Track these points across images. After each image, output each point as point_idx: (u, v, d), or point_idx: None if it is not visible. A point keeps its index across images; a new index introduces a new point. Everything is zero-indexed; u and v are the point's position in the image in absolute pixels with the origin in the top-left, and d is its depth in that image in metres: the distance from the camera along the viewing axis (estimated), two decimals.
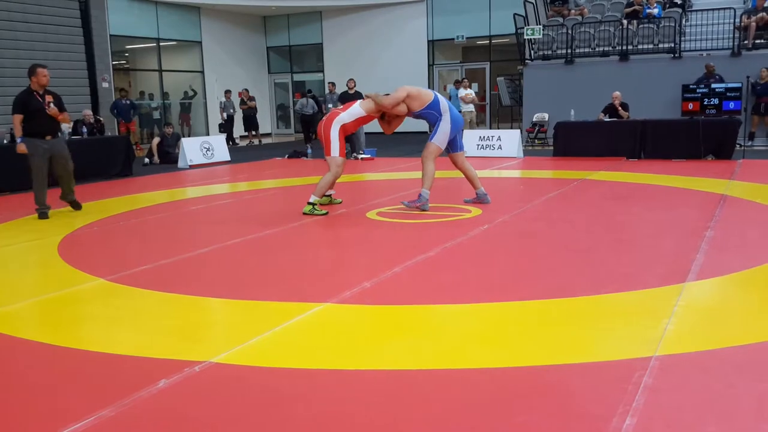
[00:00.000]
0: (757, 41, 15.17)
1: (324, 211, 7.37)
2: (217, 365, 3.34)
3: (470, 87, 17.63)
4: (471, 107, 17.19)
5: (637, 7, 16.50)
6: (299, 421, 2.77)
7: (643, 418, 2.66)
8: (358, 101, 7.60)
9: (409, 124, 7.47)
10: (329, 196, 8.01)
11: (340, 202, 8.08)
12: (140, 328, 4.12)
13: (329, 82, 18.46)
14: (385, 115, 7.53)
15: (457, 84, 18.98)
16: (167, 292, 4.70)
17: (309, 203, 7.37)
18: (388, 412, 2.83)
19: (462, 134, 7.71)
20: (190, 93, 22.73)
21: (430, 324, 3.98)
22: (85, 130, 13.46)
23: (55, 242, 6.49)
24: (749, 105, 13.67)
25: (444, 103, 7.41)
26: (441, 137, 7.36)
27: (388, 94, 7.42)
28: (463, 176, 7.88)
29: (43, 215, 7.82)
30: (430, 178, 7.39)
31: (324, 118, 7.61)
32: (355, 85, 15.77)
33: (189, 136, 20.22)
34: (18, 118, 7.60)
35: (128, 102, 18.15)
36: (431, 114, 7.35)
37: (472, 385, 3.07)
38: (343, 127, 7.36)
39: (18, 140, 7.65)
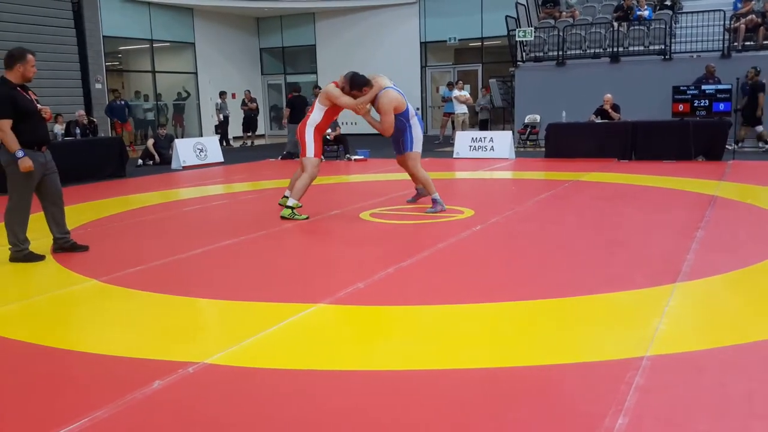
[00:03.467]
0: (747, 43, 15.27)
1: (305, 216, 7.27)
2: (211, 366, 3.35)
3: (463, 89, 17.68)
4: (464, 108, 17.24)
5: (625, 5, 16.54)
6: (293, 421, 2.79)
7: (635, 418, 2.69)
8: (316, 103, 7.41)
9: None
10: (287, 197, 7.70)
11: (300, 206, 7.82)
12: (134, 329, 4.12)
13: (314, 87, 18.47)
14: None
15: (450, 86, 19.01)
16: (161, 293, 4.70)
17: (288, 207, 7.29)
18: (382, 412, 2.85)
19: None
20: (184, 94, 22.69)
21: (423, 324, 4.00)
22: (78, 131, 13.44)
23: (48, 243, 6.47)
24: (738, 106, 13.76)
25: (411, 110, 7.50)
26: (418, 144, 7.50)
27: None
28: (410, 176, 7.99)
29: (26, 257, 5.75)
30: (431, 183, 7.52)
31: (300, 123, 7.52)
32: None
33: (182, 137, 20.18)
34: (7, 124, 5.49)
35: (123, 103, 18.12)
36: (399, 121, 7.33)
37: (465, 384, 3.09)
38: (317, 128, 7.30)
39: (19, 154, 5.49)
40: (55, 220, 6.03)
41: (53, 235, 6.06)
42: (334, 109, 7.33)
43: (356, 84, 7.12)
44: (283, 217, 7.25)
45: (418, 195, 8.04)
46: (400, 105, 7.28)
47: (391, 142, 7.78)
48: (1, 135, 5.53)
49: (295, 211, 7.27)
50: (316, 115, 7.33)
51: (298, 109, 15.44)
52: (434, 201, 7.42)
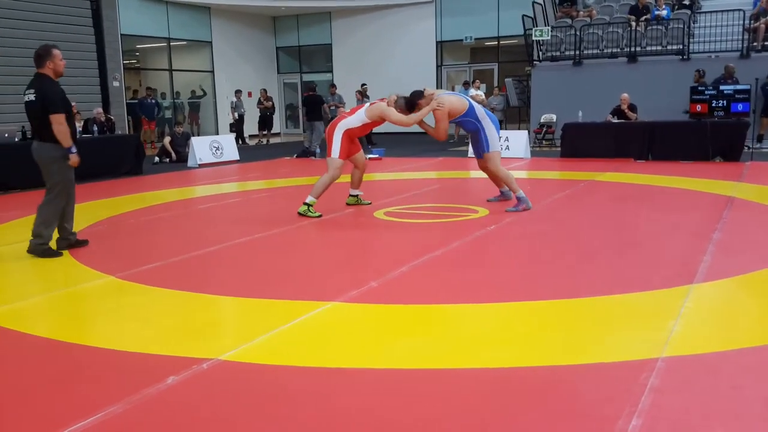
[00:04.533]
0: (767, 43, 15.11)
1: (318, 214, 7.31)
2: (224, 362, 3.36)
3: (479, 88, 17.63)
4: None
5: (640, 5, 16.42)
6: (306, 418, 2.79)
7: (649, 419, 2.68)
8: (365, 107, 7.48)
9: (416, 126, 7.30)
10: (356, 196, 8.00)
11: (369, 204, 8.01)
12: (149, 325, 4.15)
13: (331, 84, 18.54)
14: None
15: (466, 84, 18.97)
16: (176, 289, 4.73)
17: (305, 203, 7.34)
18: (395, 410, 2.85)
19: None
20: (200, 93, 22.81)
21: (437, 323, 4.00)
22: (96, 128, 13.55)
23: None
24: (758, 107, 13.62)
25: (480, 110, 7.34)
26: (495, 141, 7.35)
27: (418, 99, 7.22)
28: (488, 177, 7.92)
29: (45, 252, 5.80)
30: (513, 180, 7.40)
31: (331, 123, 7.61)
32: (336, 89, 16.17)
33: (198, 135, 20.30)
34: (63, 118, 5.64)
35: (153, 101, 18.25)
36: (468, 122, 7.29)
37: (478, 384, 3.08)
38: (348, 132, 7.32)
39: (73, 149, 5.69)
40: (70, 216, 6.08)
41: (64, 232, 6.05)
42: (372, 125, 7.40)
43: (412, 104, 7.17)
44: (299, 213, 7.31)
45: (502, 196, 7.86)
46: (455, 109, 7.17)
47: (470, 145, 7.70)
48: (58, 129, 5.60)
49: (311, 208, 7.31)
50: (353, 120, 7.33)
51: (312, 107, 15.52)
52: (519, 199, 7.30)
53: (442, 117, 7.11)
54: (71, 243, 6.08)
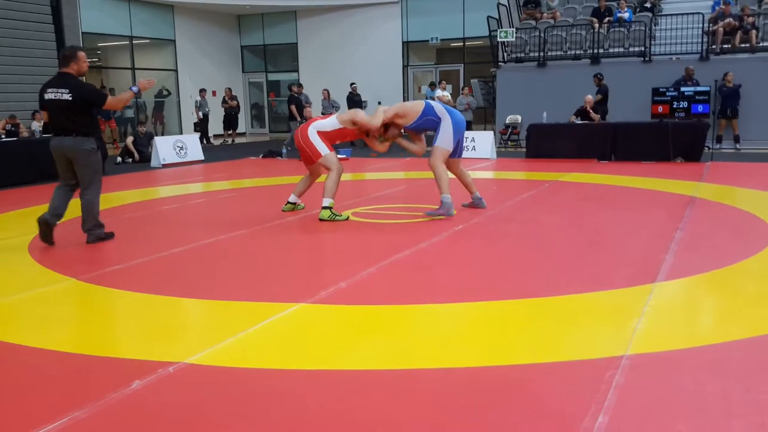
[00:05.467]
0: (725, 46, 15.46)
1: (346, 216, 7.14)
2: (191, 366, 3.32)
3: (445, 89, 17.69)
4: None
5: (601, 7, 16.67)
6: (275, 421, 2.78)
7: (615, 417, 2.71)
8: (333, 116, 7.35)
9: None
10: (294, 204, 7.70)
11: (303, 208, 7.78)
12: (113, 328, 4.09)
13: (324, 90, 18.40)
14: (369, 133, 7.26)
15: (432, 86, 19.03)
16: (141, 292, 4.66)
17: (324, 208, 7.05)
18: (362, 411, 2.85)
19: (463, 139, 7.45)
20: (165, 93, 22.53)
21: (405, 324, 4.01)
22: None
23: (26, 242, 6.40)
24: (716, 108, 13.93)
25: (439, 107, 7.16)
26: (445, 140, 7.06)
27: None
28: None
29: (107, 235, 6.39)
30: (446, 182, 7.06)
31: (299, 127, 7.36)
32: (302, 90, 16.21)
33: (162, 134, 20.05)
34: (110, 98, 6.35)
35: None
36: (429, 121, 7.11)
37: (446, 384, 3.10)
38: (323, 134, 7.11)
39: (134, 89, 6.38)
40: (66, 205, 6.36)
41: (56, 217, 6.22)
42: (344, 132, 7.22)
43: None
44: (322, 219, 7.04)
45: (473, 203, 7.61)
46: (406, 110, 7.08)
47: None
48: (116, 102, 6.49)
49: (333, 210, 7.08)
50: (326, 123, 7.18)
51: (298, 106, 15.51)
52: (442, 202, 7.04)
53: (389, 113, 7.07)
54: (51, 227, 6.20)
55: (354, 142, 13.74)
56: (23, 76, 15.52)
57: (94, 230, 6.28)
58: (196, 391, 3.06)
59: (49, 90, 6.01)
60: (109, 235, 6.42)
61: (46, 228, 6.11)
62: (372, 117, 7.11)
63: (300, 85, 17.80)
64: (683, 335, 3.69)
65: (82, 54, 6.14)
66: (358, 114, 7.20)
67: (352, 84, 18.42)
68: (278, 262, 5.58)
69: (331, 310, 4.18)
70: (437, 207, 7.10)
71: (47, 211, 6.14)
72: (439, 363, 3.34)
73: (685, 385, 3.04)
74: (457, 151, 7.29)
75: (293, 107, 16.04)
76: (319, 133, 7.13)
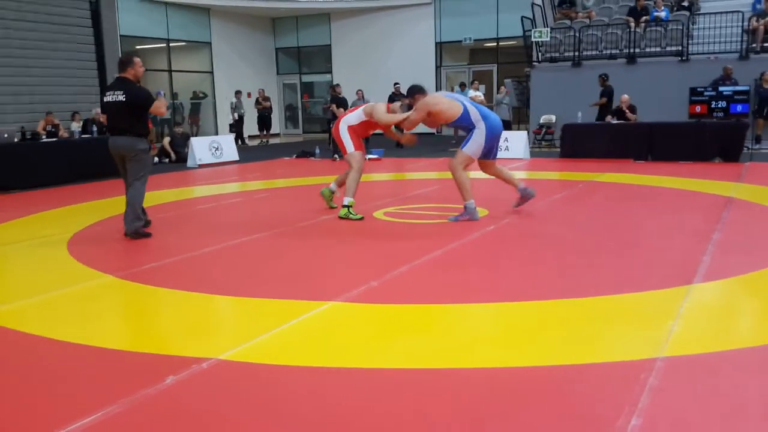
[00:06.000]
0: (766, 44, 15.13)
1: (359, 216, 7.22)
2: (224, 362, 3.36)
3: (478, 89, 17.58)
4: None
5: (638, 6, 16.44)
6: (306, 418, 2.79)
7: (649, 419, 2.68)
8: (363, 106, 7.46)
9: (419, 127, 7.23)
10: (333, 192, 7.89)
11: (335, 207, 7.81)
12: (148, 324, 4.15)
13: (358, 90, 18.43)
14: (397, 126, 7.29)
15: (463, 86, 18.92)
16: (175, 289, 4.73)
17: (344, 206, 7.23)
18: (395, 410, 2.85)
19: (498, 141, 7.15)
20: (201, 95, 22.81)
21: (436, 323, 4.00)
22: (95, 128, 13.54)
23: (65, 239, 6.54)
24: (755, 108, 13.65)
25: (475, 112, 6.82)
26: (473, 147, 6.83)
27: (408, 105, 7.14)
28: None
29: (145, 232, 6.67)
30: (468, 188, 6.90)
31: (335, 121, 7.60)
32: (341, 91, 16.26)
33: (198, 135, 20.29)
34: (158, 102, 6.71)
35: None
36: (463, 126, 6.95)
37: (478, 384, 3.08)
38: (351, 128, 7.30)
39: (161, 94, 6.97)
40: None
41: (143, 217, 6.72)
42: (370, 123, 7.30)
43: (410, 93, 7.09)
44: (340, 217, 7.21)
45: (521, 197, 7.35)
46: (443, 113, 6.81)
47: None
48: (159, 109, 6.68)
49: (351, 209, 7.21)
50: (352, 117, 7.34)
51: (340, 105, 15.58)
52: (465, 207, 6.94)
53: (419, 116, 6.90)
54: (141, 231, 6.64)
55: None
56: (63, 78, 15.84)
57: (134, 223, 6.53)
58: (229, 387, 3.09)
59: (108, 93, 6.54)
60: (147, 234, 6.61)
61: (141, 235, 6.54)
62: (390, 115, 7.10)
63: (334, 86, 17.90)
64: (720, 338, 3.63)
65: (137, 60, 6.61)
66: (376, 109, 7.19)
67: (395, 84, 18.37)
68: (310, 260, 5.61)
69: (362, 308, 4.19)
70: (459, 213, 7.03)
71: (126, 220, 6.52)
72: (471, 363, 3.32)
73: (721, 388, 2.98)
74: (492, 152, 7.07)
75: (333, 106, 16.08)
76: (349, 128, 7.29)
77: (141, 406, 2.90)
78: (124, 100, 6.40)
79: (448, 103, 6.90)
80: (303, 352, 3.52)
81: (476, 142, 6.83)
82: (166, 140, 15.21)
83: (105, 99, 6.57)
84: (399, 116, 7.08)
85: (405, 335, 3.79)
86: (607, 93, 14.56)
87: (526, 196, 7.33)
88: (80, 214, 8.19)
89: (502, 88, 18.19)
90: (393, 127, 7.32)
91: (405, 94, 7.46)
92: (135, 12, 19.68)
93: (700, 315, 3.98)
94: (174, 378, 3.16)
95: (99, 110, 14.56)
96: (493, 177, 7.40)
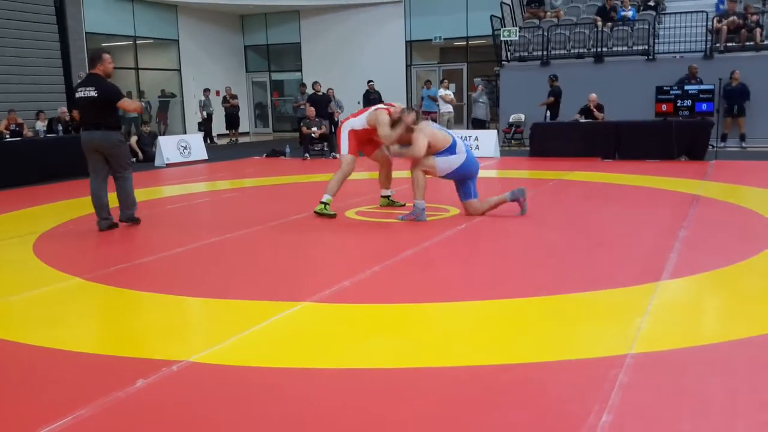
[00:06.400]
0: (729, 44, 15.42)
1: (333, 213, 7.25)
2: (195, 364, 3.33)
3: (448, 88, 17.61)
4: (450, 108, 17.20)
5: (607, 5, 16.63)
6: (277, 419, 2.78)
7: (619, 415, 2.71)
8: (367, 111, 7.35)
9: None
10: (388, 197, 7.91)
11: (403, 205, 7.80)
12: (116, 327, 4.09)
13: (300, 84, 18.36)
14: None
15: (428, 83, 18.89)
16: (145, 291, 4.67)
17: (321, 202, 7.27)
18: (368, 410, 2.85)
19: (475, 181, 7.14)
20: (169, 94, 22.55)
21: (409, 322, 4.00)
22: (60, 127, 13.32)
23: (31, 240, 6.42)
24: (721, 107, 13.89)
25: (461, 144, 6.98)
26: (443, 164, 6.87)
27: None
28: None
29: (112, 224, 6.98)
30: (421, 188, 6.90)
31: (340, 122, 7.61)
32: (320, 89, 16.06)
33: (166, 134, 20.07)
34: (127, 99, 7.13)
35: None
36: (447, 153, 6.92)
37: (450, 382, 3.09)
38: (354, 132, 7.29)
39: (143, 104, 7.22)
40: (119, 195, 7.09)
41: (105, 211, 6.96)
42: (372, 133, 7.25)
43: (397, 120, 6.98)
44: (315, 212, 7.25)
45: (517, 203, 7.12)
46: (437, 141, 6.85)
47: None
48: (128, 105, 7.07)
49: (327, 206, 7.25)
50: (357, 122, 7.32)
51: (320, 105, 15.45)
52: (414, 206, 6.91)
53: (418, 138, 6.82)
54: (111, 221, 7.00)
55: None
56: (26, 77, 15.53)
57: (129, 210, 7.00)
58: (200, 389, 3.06)
59: (79, 89, 6.78)
60: (137, 220, 7.10)
61: (110, 225, 6.92)
62: (390, 133, 6.96)
63: (303, 85, 17.84)
64: (687, 334, 3.68)
65: (106, 56, 6.88)
66: (380, 122, 7.04)
67: (369, 81, 18.34)
68: (281, 261, 5.59)
69: (335, 308, 4.18)
70: (410, 211, 7.04)
71: (96, 213, 6.90)
72: (443, 361, 3.33)
73: (689, 384, 3.03)
74: (472, 191, 7.06)
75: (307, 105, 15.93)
76: (351, 131, 7.31)
77: (111, 410, 2.85)
78: (96, 95, 6.63)
79: (440, 133, 7.02)
80: (275, 353, 3.50)
81: (448, 163, 6.87)
82: (134, 139, 15.01)
83: (77, 95, 6.77)
84: (395, 133, 6.93)
85: (377, 335, 3.79)
86: (555, 93, 14.85)
87: (516, 199, 7.06)
88: (46, 215, 8.05)
89: (480, 87, 18.19)
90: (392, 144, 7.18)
91: (379, 92, 7.48)
92: (101, 9, 19.39)
93: (668, 311, 4.03)
94: (144, 381, 3.12)
95: (65, 109, 14.35)
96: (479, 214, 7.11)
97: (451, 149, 6.93)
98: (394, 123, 7.01)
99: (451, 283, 4.78)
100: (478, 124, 17.55)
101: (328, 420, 2.76)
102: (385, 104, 7.48)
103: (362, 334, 3.82)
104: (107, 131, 6.70)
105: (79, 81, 6.89)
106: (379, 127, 7.04)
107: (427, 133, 6.91)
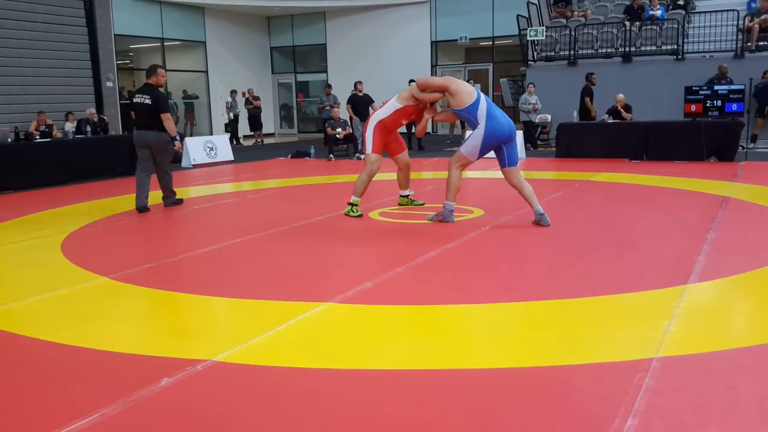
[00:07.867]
0: (760, 43, 15.16)
1: (359, 213, 7.31)
2: (219, 364, 3.35)
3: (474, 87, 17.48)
4: None
5: (635, 5, 16.43)
6: (301, 419, 2.78)
7: (644, 419, 2.67)
8: (392, 99, 7.38)
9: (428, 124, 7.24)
10: (407, 196, 7.97)
11: (422, 204, 7.90)
12: (143, 326, 4.13)
13: (326, 85, 18.31)
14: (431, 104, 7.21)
15: None
16: (169, 290, 4.71)
17: (349, 203, 7.35)
18: (388, 411, 2.84)
19: (515, 145, 6.77)
20: (193, 96, 22.75)
21: (432, 324, 3.99)
22: (89, 128, 13.50)
23: (59, 240, 6.51)
24: (752, 107, 13.66)
25: (483, 109, 6.54)
26: (469, 148, 6.64)
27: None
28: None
29: (179, 201, 8.68)
30: (454, 189, 6.77)
31: (368, 117, 7.62)
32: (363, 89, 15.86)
33: (192, 135, 20.25)
34: (170, 115, 8.10)
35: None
36: (469, 118, 6.65)
37: (474, 385, 3.08)
38: (381, 123, 7.25)
39: (177, 138, 8.19)
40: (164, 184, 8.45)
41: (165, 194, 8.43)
42: (405, 111, 7.21)
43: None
44: (345, 214, 7.36)
45: (535, 219, 6.72)
46: (460, 96, 6.62)
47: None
48: (168, 123, 8.00)
49: (354, 208, 7.33)
50: (382, 112, 7.31)
51: (362, 105, 15.41)
52: (444, 206, 6.84)
53: (439, 83, 6.93)
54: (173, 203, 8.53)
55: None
56: (56, 78, 15.77)
57: (170, 198, 8.41)
58: (224, 389, 3.08)
59: (137, 95, 8.06)
60: (179, 201, 8.61)
61: (144, 207, 8.03)
62: (427, 94, 7.04)
63: (329, 86, 17.78)
64: (715, 338, 3.62)
65: (160, 70, 8.13)
66: (413, 89, 7.12)
67: (357, 83, 17.95)
68: (305, 261, 5.60)
69: (357, 309, 4.18)
70: (438, 212, 6.99)
71: (138, 198, 8.01)
72: (467, 363, 3.32)
73: (716, 388, 2.98)
74: (507, 158, 6.70)
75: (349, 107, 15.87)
76: (379, 123, 7.26)
77: (136, 408, 2.88)
78: (150, 103, 7.89)
79: (468, 88, 6.80)
80: (298, 353, 3.51)
81: (472, 143, 6.66)
82: None
83: (134, 100, 8.07)
84: (435, 94, 7.01)
85: (400, 336, 3.78)
86: (585, 92, 14.45)
87: (539, 222, 6.70)
88: (74, 215, 8.16)
89: (531, 87, 17.41)
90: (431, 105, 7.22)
91: (368, 94, 7.49)
92: (129, 11, 19.63)
93: (696, 315, 3.97)
94: (168, 380, 3.15)
95: (93, 110, 14.54)
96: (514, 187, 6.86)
97: (471, 111, 6.58)
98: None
99: (475, 284, 4.76)
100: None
101: (350, 420, 2.76)
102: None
103: (385, 335, 3.82)
104: (159, 132, 7.97)
105: (134, 89, 7.98)
106: (417, 94, 7.07)
107: (452, 78, 7.00)
